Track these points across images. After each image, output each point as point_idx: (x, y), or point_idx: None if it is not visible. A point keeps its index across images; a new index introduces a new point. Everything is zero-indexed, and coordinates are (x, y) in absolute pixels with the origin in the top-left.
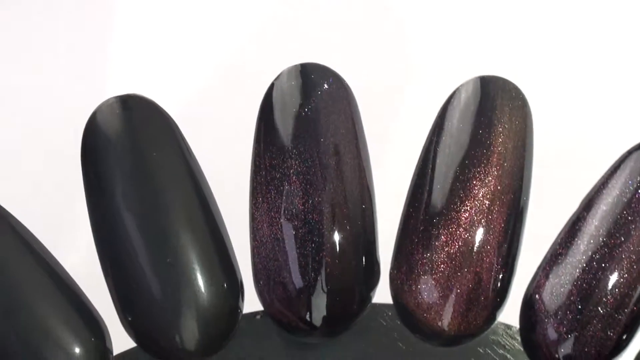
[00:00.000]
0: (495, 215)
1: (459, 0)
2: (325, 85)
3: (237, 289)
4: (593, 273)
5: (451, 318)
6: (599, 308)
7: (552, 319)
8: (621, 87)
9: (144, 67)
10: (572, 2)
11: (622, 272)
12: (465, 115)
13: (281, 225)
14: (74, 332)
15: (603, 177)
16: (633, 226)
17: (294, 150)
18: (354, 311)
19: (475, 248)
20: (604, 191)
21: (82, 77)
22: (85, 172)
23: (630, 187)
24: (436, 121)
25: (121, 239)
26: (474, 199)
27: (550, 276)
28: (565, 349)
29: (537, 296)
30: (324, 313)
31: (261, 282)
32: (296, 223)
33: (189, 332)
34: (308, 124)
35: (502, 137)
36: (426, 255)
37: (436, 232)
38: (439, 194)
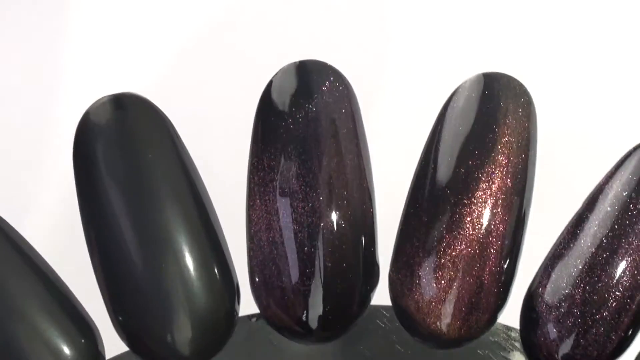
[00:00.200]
0: (498, 218)
1: None
2: (326, 84)
3: (233, 292)
4: (595, 274)
5: (452, 322)
6: (601, 310)
7: (553, 320)
8: (623, 86)
9: (141, 63)
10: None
11: (624, 273)
12: (468, 115)
13: (280, 228)
14: (64, 335)
15: (606, 176)
16: (636, 227)
17: (294, 152)
18: (353, 314)
19: (478, 251)
20: (606, 191)
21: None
22: (77, 173)
23: (633, 187)
24: (438, 120)
25: (115, 240)
26: (477, 201)
27: (552, 277)
28: (565, 350)
29: (538, 297)
30: (322, 317)
31: (258, 285)
32: (295, 226)
33: (183, 335)
34: (308, 124)
35: (506, 137)
36: (428, 258)
37: (438, 235)
38: (440, 196)
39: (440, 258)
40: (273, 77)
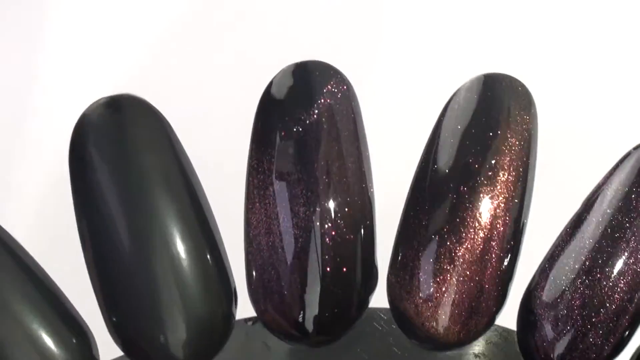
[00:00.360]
0: (500, 221)
1: None
2: (328, 85)
3: (230, 294)
4: (593, 276)
5: (451, 326)
6: (600, 312)
7: (551, 322)
8: (623, 87)
9: (141, 63)
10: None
11: (623, 275)
12: (469, 116)
13: (280, 233)
14: (57, 339)
15: (604, 177)
16: (634, 228)
17: (295, 155)
18: (351, 318)
19: (479, 255)
20: (604, 192)
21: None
22: (73, 174)
23: (631, 187)
24: (438, 121)
25: (110, 241)
26: (478, 204)
27: (550, 278)
28: (563, 352)
29: (536, 299)
30: (320, 321)
31: (256, 289)
32: (296, 230)
33: (178, 338)
34: (310, 127)
35: (508, 139)
36: (428, 261)
37: (438, 238)
38: (441, 198)
39: (440, 261)
40: (274, 78)
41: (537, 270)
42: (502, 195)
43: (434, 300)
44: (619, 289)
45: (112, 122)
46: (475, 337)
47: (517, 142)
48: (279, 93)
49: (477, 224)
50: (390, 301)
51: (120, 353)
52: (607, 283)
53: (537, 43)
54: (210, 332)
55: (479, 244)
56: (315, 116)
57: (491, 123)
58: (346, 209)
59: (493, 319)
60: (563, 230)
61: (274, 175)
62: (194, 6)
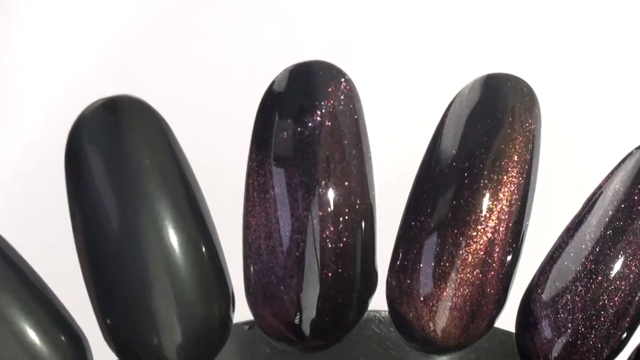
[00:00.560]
0: (503, 225)
1: None
2: (332, 86)
3: (227, 298)
4: (594, 278)
5: (452, 330)
6: (600, 315)
7: (550, 325)
8: (626, 87)
9: (143, 63)
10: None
11: (624, 277)
12: (472, 116)
13: (280, 237)
14: (51, 343)
15: (605, 177)
16: (635, 229)
17: (297, 158)
18: (350, 322)
19: (481, 259)
20: (605, 193)
21: None
22: (69, 178)
23: (633, 189)
24: (441, 121)
25: (105, 246)
26: (481, 207)
27: (550, 280)
28: (562, 355)
29: (535, 301)
30: (319, 326)
31: (254, 293)
32: (297, 235)
33: (173, 342)
34: (313, 129)
35: (512, 140)
36: (429, 265)
37: (440, 241)
38: (442, 200)
39: (441, 264)
40: (276, 78)
41: (537, 271)
42: (506, 198)
43: (435, 303)
44: (620, 291)
45: (109, 123)
46: (474, 340)
47: (521, 144)
48: (281, 93)
49: (479, 227)
50: (389, 304)
51: (115, 359)
52: (608, 285)
53: (540, 43)
54: (207, 336)
55: (482, 247)
56: (318, 118)
57: (496, 124)
58: (347, 213)
59: (493, 321)
60: (564, 231)
61: (274, 178)
62: (195, 6)
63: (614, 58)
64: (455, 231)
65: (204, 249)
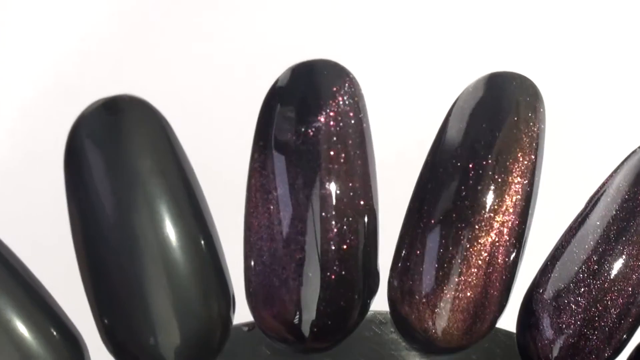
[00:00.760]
0: (506, 226)
1: None
2: (337, 86)
3: (228, 300)
4: (596, 278)
5: (454, 332)
6: (603, 316)
7: (552, 325)
8: (629, 86)
9: (145, 62)
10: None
11: (626, 277)
12: (476, 115)
13: (283, 239)
14: (48, 346)
15: (609, 176)
16: (638, 228)
17: (301, 158)
18: (352, 325)
19: (484, 261)
20: (607, 191)
21: None
22: (68, 181)
23: (636, 187)
24: (445, 120)
25: (106, 249)
26: (485, 206)
27: (551, 279)
28: (562, 354)
29: (537, 302)
30: (321, 328)
31: (255, 295)
32: (300, 237)
33: (171, 344)
34: (317, 129)
35: (518, 140)
36: (432, 266)
37: (443, 243)
38: (446, 200)
39: (444, 266)
40: (279, 77)
41: (539, 271)
42: (510, 199)
43: (437, 305)
44: (622, 291)
45: (109, 123)
46: (476, 342)
47: (526, 144)
48: (284, 93)
49: (483, 228)
50: (391, 305)
51: None
52: (610, 285)
53: (542, 41)
54: (207, 337)
55: (485, 248)
56: (322, 118)
57: (501, 123)
58: (351, 214)
59: (495, 323)
60: (566, 230)
61: (277, 179)
62: (195, 6)
63: (617, 57)
64: (459, 232)
65: (204, 249)
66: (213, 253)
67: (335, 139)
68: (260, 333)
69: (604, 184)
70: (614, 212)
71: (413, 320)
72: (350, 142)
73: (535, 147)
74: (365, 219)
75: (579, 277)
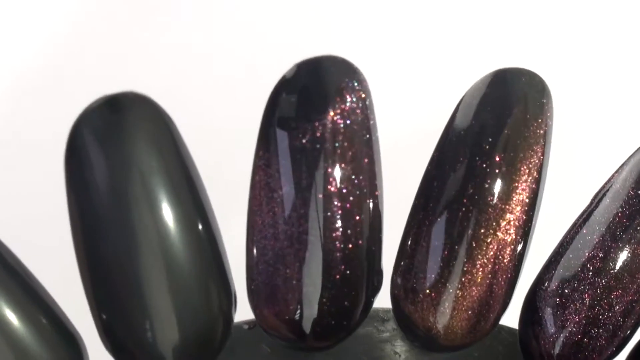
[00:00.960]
0: (512, 225)
1: None
2: (344, 83)
3: (230, 297)
4: (600, 276)
5: (458, 331)
6: (607, 313)
7: (554, 321)
8: (635, 83)
9: (148, 62)
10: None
11: (631, 274)
12: (484, 111)
13: (287, 238)
14: (46, 345)
15: (613, 174)
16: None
17: (308, 156)
18: (355, 323)
19: (490, 259)
20: (612, 188)
21: None
22: (69, 180)
23: (638, 185)
24: (452, 116)
25: (106, 244)
26: (491, 203)
27: (555, 276)
28: (565, 351)
29: (541, 299)
30: (324, 327)
31: (257, 294)
32: (304, 236)
33: (170, 342)
34: (325, 127)
35: (526, 137)
36: (436, 264)
37: (448, 241)
38: (452, 197)
39: (449, 264)
40: (285, 74)
41: (542, 267)
42: (517, 197)
43: (441, 303)
44: (627, 289)
45: (112, 120)
46: (479, 340)
47: (534, 140)
48: (290, 90)
49: (490, 226)
50: (394, 303)
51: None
52: (614, 282)
53: (547, 39)
54: (208, 335)
55: (491, 247)
56: (329, 115)
57: (509, 120)
58: (357, 213)
59: (498, 320)
60: (570, 227)
61: (282, 177)
62: (195, 5)
63: (624, 55)
64: (465, 229)
65: (206, 247)
66: (215, 250)
67: (342, 137)
68: (260, 331)
69: (609, 181)
70: (619, 209)
71: (416, 318)
72: (356, 139)
73: (543, 143)
74: (371, 218)
75: (583, 274)
